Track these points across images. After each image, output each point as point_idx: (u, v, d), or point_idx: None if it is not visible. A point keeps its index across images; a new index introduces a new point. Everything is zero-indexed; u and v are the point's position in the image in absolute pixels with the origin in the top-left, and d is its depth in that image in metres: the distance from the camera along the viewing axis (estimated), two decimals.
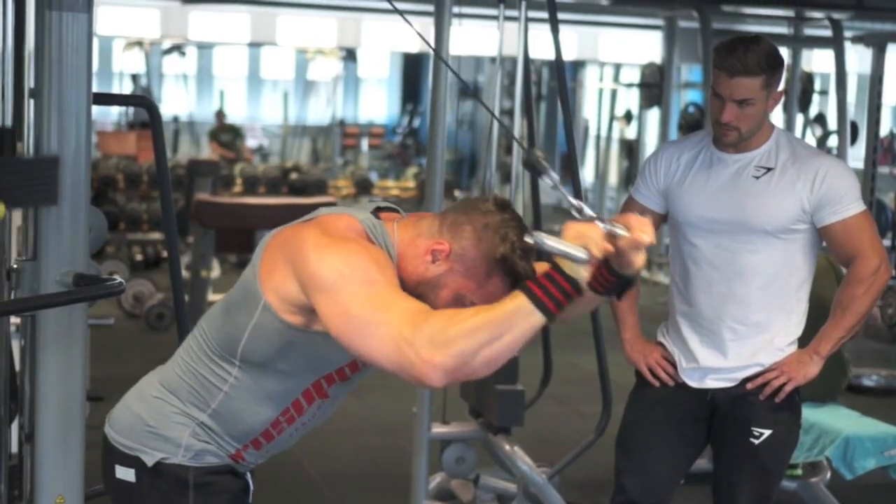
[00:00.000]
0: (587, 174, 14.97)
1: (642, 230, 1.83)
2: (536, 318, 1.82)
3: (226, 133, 13.65)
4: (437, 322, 1.85)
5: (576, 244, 1.81)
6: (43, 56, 2.80)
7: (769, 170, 3.05)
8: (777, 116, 7.87)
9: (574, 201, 1.87)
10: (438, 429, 4.31)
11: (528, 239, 1.84)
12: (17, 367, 3.82)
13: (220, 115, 14.43)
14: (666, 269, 9.49)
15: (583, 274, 1.81)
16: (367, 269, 1.96)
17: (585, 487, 4.80)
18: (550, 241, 1.82)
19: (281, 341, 2.10)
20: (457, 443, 4.35)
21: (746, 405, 3.12)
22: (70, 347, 2.86)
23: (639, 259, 1.85)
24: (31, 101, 3.20)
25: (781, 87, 3.07)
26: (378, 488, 4.90)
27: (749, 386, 3.11)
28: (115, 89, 14.97)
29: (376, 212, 2.18)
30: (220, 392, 2.18)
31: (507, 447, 4.24)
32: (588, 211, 1.87)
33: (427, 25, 4.28)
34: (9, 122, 2.76)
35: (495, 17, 4.70)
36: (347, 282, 1.94)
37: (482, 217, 2.07)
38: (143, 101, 3.17)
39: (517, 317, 1.82)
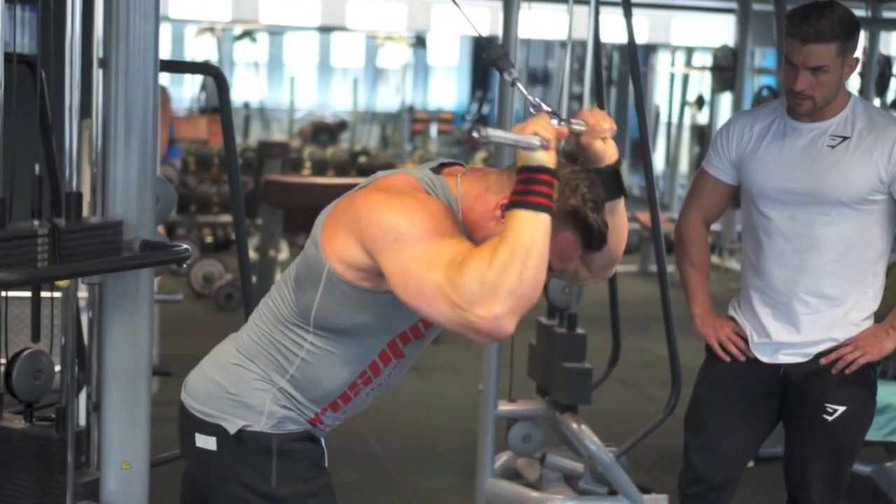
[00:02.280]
0: (658, 161, 14.82)
1: (598, 119, 1.97)
2: (542, 218, 1.85)
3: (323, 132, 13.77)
4: (472, 274, 1.83)
5: (525, 134, 1.87)
6: (111, 25, 2.81)
7: (845, 139, 2.97)
8: None
9: (532, 98, 1.95)
10: (505, 406, 4.27)
11: (474, 134, 1.86)
12: (86, 340, 3.85)
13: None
14: (737, 254, 9.35)
15: (543, 158, 1.86)
16: (423, 224, 1.94)
17: (653, 469, 4.74)
18: (499, 133, 1.88)
19: (351, 305, 2.08)
20: (523, 421, 4.32)
21: (819, 381, 3.05)
22: (136, 315, 2.87)
23: (608, 148, 2.00)
24: (101, 72, 3.22)
25: (857, 53, 2.99)
26: (443, 467, 4.88)
27: (822, 361, 3.04)
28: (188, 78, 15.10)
29: (438, 168, 2.15)
30: (297, 358, 2.16)
31: (575, 425, 4.19)
32: (545, 106, 1.94)
33: (496, 9, 4.24)
34: (74, 187, 2.78)
35: (565, 1, 4.63)
36: (406, 241, 1.92)
37: None
38: (210, 70, 3.18)
39: (527, 228, 1.84)
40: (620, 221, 2.13)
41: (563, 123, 1.93)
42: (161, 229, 3.59)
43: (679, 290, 3.36)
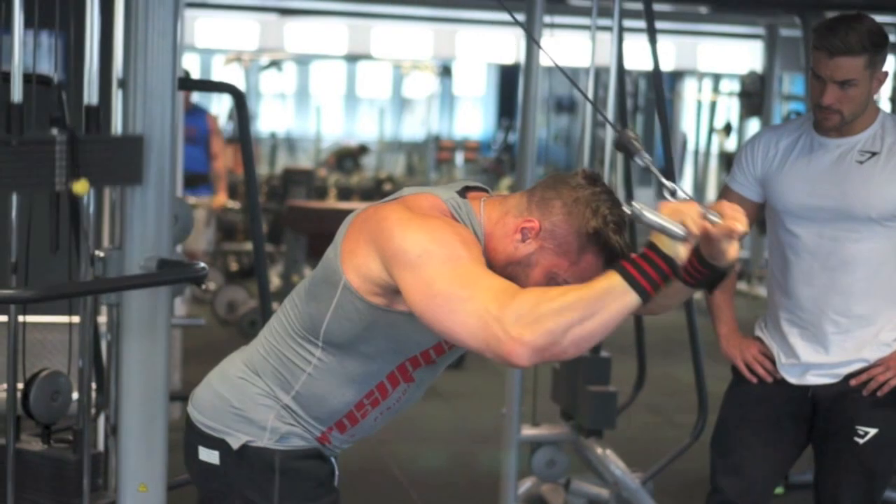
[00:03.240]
0: (685, 188, 14.73)
1: (736, 218, 1.80)
2: (631, 299, 1.76)
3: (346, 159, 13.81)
4: (526, 300, 1.78)
5: (673, 220, 1.75)
6: (130, 41, 2.80)
7: (874, 154, 2.91)
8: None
9: (668, 183, 1.83)
10: (528, 431, 4.22)
11: (625, 209, 1.79)
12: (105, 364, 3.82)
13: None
14: (766, 281, 9.26)
15: (680, 252, 1.76)
16: (452, 245, 1.90)
17: (679, 496, 4.67)
18: (649, 213, 1.76)
19: (363, 322, 2.04)
20: (547, 445, 4.26)
21: (850, 403, 2.98)
22: (154, 337, 2.84)
23: (731, 249, 1.82)
24: (120, 91, 3.21)
25: (887, 67, 2.93)
26: (466, 493, 4.82)
27: (853, 382, 2.97)
28: (215, 107, 15.18)
29: (463, 191, 2.11)
30: (303, 373, 2.12)
31: (599, 450, 4.14)
32: (682, 192, 1.83)
33: (520, 37, 4.20)
34: (95, 100, 2.76)
35: (589, 28, 4.59)
36: (432, 258, 1.88)
37: (572, 191, 1.99)
38: (228, 88, 3.17)
39: (611, 296, 1.76)
40: (678, 295, 2.05)
41: (703, 214, 1.79)
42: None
43: (706, 317, 3.31)
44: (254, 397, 2.15)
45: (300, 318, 2.12)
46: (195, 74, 16.79)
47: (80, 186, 2.41)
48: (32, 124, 2.67)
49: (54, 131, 2.50)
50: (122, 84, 2.86)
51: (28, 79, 2.68)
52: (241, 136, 3.23)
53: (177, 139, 2.92)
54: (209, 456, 2.18)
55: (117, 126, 2.95)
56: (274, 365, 2.15)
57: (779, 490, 4.70)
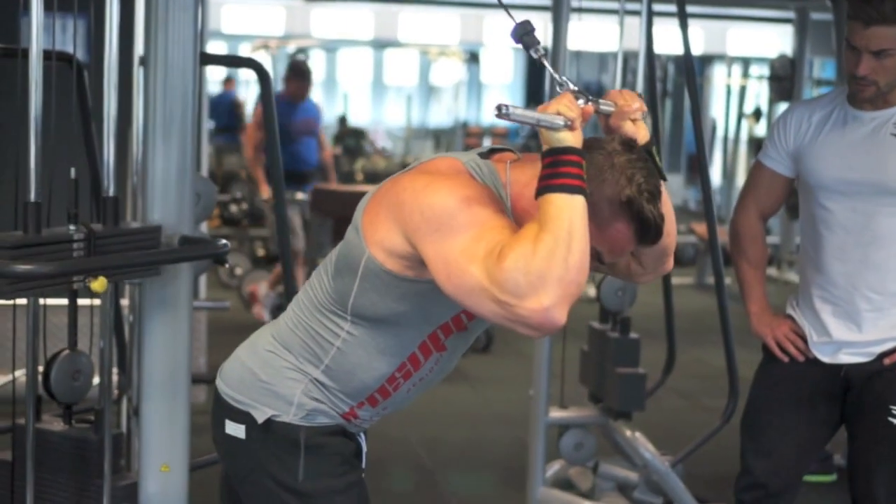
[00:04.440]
0: (714, 175, 14.62)
1: (627, 99, 1.91)
2: (577, 200, 1.78)
3: (350, 137, 13.72)
4: (515, 266, 1.74)
5: (549, 113, 1.80)
6: (150, 16, 2.77)
7: None
8: None
9: (558, 77, 1.88)
10: (556, 413, 4.17)
11: (496, 112, 1.78)
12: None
13: (343, 120, 14.55)
14: (797, 266, 9.17)
15: (567, 138, 1.80)
16: (464, 210, 1.85)
17: (710, 480, 4.60)
18: (522, 111, 1.80)
19: (390, 294, 2.00)
20: (575, 428, 4.21)
21: (883, 382, 2.91)
22: (176, 316, 2.81)
23: (640, 130, 1.93)
24: (141, 71, 3.17)
25: None
26: (493, 477, 4.78)
27: (886, 361, 2.91)
28: (241, 94, 15.19)
29: (488, 154, 2.05)
30: (333, 347, 2.08)
31: (629, 433, 4.08)
32: (571, 85, 1.87)
33: (546, 20, 4.15)
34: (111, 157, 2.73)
35: (617, 12, 4.52)
36: (446, 230, 1.84)
37: (607, 157, 1.91)
38: (251, 63, 3.13)
39: (564, 213, 1.77)
40: (666, 209, 2.01)
41: (590, 103, 1.86)
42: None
43: (737, 303, 3.25)
44: (282, 370, 2.11)
45: (327, 293, 2.08)
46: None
47: (98, 285, 2.42)
48: (52, 111, 2.62)
49: (71, 228, 2.50)
50: (143, 61, 2.83)
51: (48, 56, 2.65)
52: (264, 113, 3.19)
53: (197, 116, 2.89)
54: (235, 430, 2.14)
55: (139, 107, 2.90)
56: (302, 338, 2.10)
57: (831, 477, 4.66)
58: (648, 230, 1.91)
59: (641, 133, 1.94)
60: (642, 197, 1.89)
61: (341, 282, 2.05)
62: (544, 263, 1.73)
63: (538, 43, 1.92)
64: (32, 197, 2.46)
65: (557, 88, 1.88)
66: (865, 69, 2.79)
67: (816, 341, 2.98)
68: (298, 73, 7.27)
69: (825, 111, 2.96)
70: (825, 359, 2.97)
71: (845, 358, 2.95)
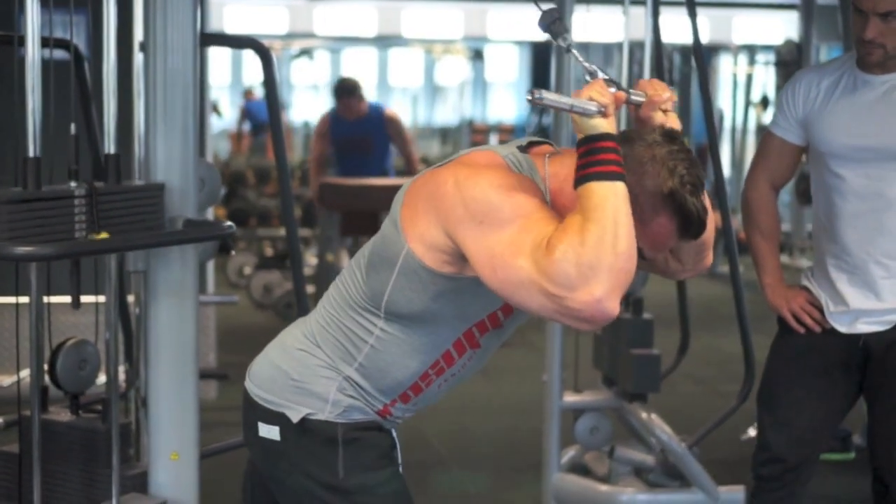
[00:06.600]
0: (723, 166, 14.52)
1: (657, 89, 1.91)
2: (618, 186, 1.77)
3: None
4: (565, 257, 1.71)
5: (582, 99, 1.80)
6: (150, 2, 2.74)
7: None
8: None
9: (588, 65, 1.87)
10: (571, 398, 4.12)
11: (528, 97, 1.77)
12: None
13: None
14: (809, 253, 9.11)
15: (601, 125, 1.79)
16: (507, 202, 1.81)
17: (727, 462, 4.56)
18: (555, 97, 1.80)
19: (427, 291, 1.95)
20: (590, 412, 4.16)
21: None
22: (182, 300, 2.78)
23: (670, 120, 1.92)
24: (140, 56, 3.14)
25: None
26: (508, 465, 4.73)
27: None
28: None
29: (527, 147, 2.01)
30: (366, 345, 2.03)
31: (644, 415, 4.03)
32: (601, 73, 1.86)
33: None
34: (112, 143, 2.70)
35: (622, 2, 4.46)
36: (490, 222, 1.81)
37: (648, 149, 1.87)
38: (252, 44, 3.10)
39: (609, 201, 1.75)
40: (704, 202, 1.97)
41: (620, 91, 1.85)
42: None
43: (751, 291, 3.20)
44: (314, 369, 2.06)
45: (360, 289, 2.03)
46: (226, 62, 16.80)
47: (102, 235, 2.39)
48: (51, 93, 2.59)
49: (72, 184, 2.45)
50: (143, 47, 2.80)
51: (45, 43, 2.62)
52: (267, 95, 3.15)
53: (199, 102, 2.85)
54: (269, 432, 2.08)
55: (139, 88, 2.87)
56: (335, 336, 2.05)
57: (850, 456, 4.60)
58: (691, 224, 1.87)
59: (672, 123, 1.92)
60: (685, 189, 1.85)
61: (376, 277, 2.00)
62: (594, 253, 1.71)
63: (566, 31, 1.90)
64: (31, 152, 2.42)
65: (586, 77, 1.87)
66: (873, 32, 2.75)
67: (833, 311, 2.93)
68: (342, 92, 7.28)
69: (834, 77, 2.91)
70: (843, 329, 2.92)
71: (863, 327, 2.90)
